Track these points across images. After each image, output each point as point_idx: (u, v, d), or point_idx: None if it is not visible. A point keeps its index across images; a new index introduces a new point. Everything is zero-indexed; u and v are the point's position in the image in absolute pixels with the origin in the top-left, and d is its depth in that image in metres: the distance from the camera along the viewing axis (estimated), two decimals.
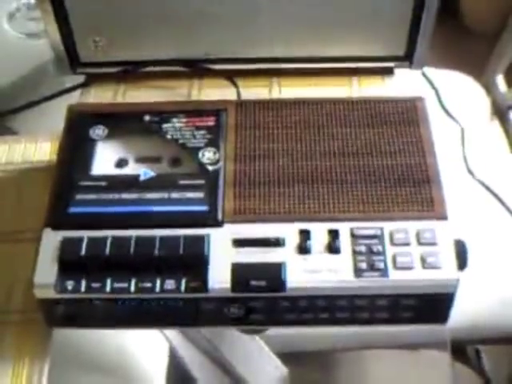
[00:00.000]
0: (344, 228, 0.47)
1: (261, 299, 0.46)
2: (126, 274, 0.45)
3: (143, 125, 0.53)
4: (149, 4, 0.58)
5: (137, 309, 0.46)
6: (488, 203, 0.78)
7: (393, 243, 0.46)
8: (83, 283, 0.45)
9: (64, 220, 0.48)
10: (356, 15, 0.59)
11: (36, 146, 0.61)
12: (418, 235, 0.47)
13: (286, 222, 0.47)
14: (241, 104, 0.54)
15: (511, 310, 0.74)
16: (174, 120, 0.53)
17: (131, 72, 0.62)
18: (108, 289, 0.45)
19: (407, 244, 0.46)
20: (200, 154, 0.51)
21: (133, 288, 0.45)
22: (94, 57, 0.61)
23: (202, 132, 0.52)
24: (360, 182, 0.49)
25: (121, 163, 0.52)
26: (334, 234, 0.47)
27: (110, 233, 0.47)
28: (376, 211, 0.48)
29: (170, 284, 0.45)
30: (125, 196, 0.49)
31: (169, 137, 0.52)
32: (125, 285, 0.45)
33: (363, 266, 0.45)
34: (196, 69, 0.63)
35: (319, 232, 0.47)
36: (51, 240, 0.47)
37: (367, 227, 0.47)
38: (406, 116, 0.53)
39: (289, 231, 0.47)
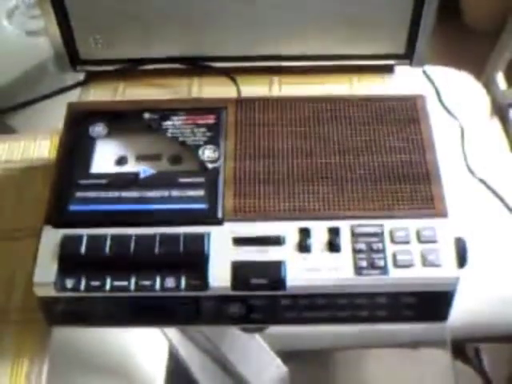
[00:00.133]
0: (344, 226, 0.47)
1: (261, 297, 0.46)
2: (126, 272, 0.45)
3: (143, 122, 0.53)
4: (149, 2, 0.58)
5: (137, 307, 0.46)
6: (488, 201, 0.78)
7: (393, 241, 0.46)
8: (83, 281, 0.45)
9: (64, 218, 0.48)
10: (356, 13, 0.59)
11: (35, 144, 0.61)
12: (418, 233, 0.46)
13: (286, 220, 0.47)
14: (241, 102, 0.54)
15: (511, 307, 0.74)
16: (174, 118, 0.53)
17: (131, 70, 0.62)
18: (108, 287, 0.45)
19: (407, 242, 0.46)
20: (200, 152, 0.51)
21: (133, 286, 0.45)
22: (93, 54, 0.61)
23: (202, 130, 0.52)
24: (360, 180, 0.49)
25: (121, 161, 0.52)
26: (334, 232, 0.47)
27: (109, 231, 0.47)
28: (376, 209, 0.48)
29: (170, 282, 0.45)
30: (125, 194, 0.49)
31: (169, 134, 0.52)
32: (125, 283, 0.45)
33: (363, 264, 0.45)
34: (196, 66, 0.62)
35: (319, 230, 0.47)
36: (51, 238, 0.47)
37: (367, 225, 0.47)
38: (407, 114, 0.53)
39: (289, 229, 0.47)
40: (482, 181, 0.79)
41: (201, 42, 0.61)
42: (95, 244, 0.46)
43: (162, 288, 0.45)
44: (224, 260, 0.46)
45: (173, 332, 0.69)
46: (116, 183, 0.49)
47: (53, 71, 0.64)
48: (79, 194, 0.49)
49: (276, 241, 0.46)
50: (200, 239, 0.46)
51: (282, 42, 0.61)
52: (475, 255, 0.47)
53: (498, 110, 0.91)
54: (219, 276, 0.45)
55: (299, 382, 0.79)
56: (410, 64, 0.63)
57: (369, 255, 0.46)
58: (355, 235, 0.47)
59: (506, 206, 0.78)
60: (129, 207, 0.48)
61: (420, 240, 0.46)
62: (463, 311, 0.61)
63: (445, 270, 0.45)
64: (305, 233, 0.47)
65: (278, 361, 0.73)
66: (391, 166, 0.50)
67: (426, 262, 0.45)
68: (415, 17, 0.59)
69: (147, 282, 0.45)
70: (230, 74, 0.62)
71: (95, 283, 0.45)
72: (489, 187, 0.78)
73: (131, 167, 0.51)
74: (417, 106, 0.53)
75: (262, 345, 0.72)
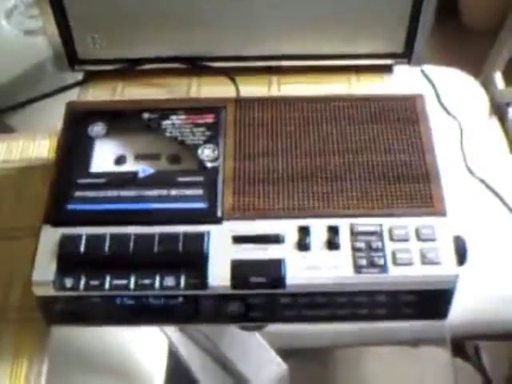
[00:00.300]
0: (343, 224, 0.47)
1: (260, 296, 0.46)
2: (126, 271, 0.45)
3: (142, 122, 0.53)
4: (148, 1, 0.58)
5: (136, 306, 0.46)
6: (486, 200, 0.78)
7: (392, 239, 0.46)
8: (82, 280, 0.45)
9: (63, 217, 0.48)
10: (355, 12, 0.59)
11: (34, 144, 0.61)
12: (417, 231, 0.47)
13: (286, 218, 0.47)
14: (240, 101, 0.54)
15: (510, 305, 0.74)
16: (173, 117, 0.53)
17: (130, 69, 0.62)
18: (107, 286, 0.45)
19: (406, 240, 0.46)
20: (199, 151, 0.51)
21: (132, 285, 0.45)
22: (92, 54, 0.61)
23: (201, 129, 0.52)
24: (359, 179, 0.49)
25: (120, 160, 0.52)
26: (333, 231, 0.47)
27: (108, 230, 0.46)
28: (375, 208, 0.48)
29: (169, 281, 0.45)
30: (124, 193, 0.49)
31: (168, 134, 0.52)
32: (124, 282, 0.45)
33: (363, 262, 0.45)
34: (195, 66, 0.62)
35: (319, 228, 0.47)
36: (50, 237, 0.47)
37: (367, 223, 0.47)
38: (406, 113, 0.53)
39: (288, 228, 0.47)
40: (480, 180, 0.79)
41: (200, 42, 0.61)
42: (94, 243, 0.46)
43: (162, 287, 0.45)
44: (223, 259, 0.46)
45: (172, 331, 0.69)
46: (115, 182, 0.49)
47: (51, 71, 0.64)
48: (78, 193, 0.49)
49: (275, 239, 0.46)
50: (199, 238, 0.46)
51: (280, 42, 0.61)
52: (474, 253, 0.47)
53: (497, 109, 0.91)
54: (219, 275, 0.45)
55: (299, 380, 0.79)
56: (409, 63, 0.63)
57: (368, 253, 0.46)
58: (354, 233, 0.47)
59: (505, 204, 0.78)
60: (128, 206, 0.48)
61: (419, 238, 0.46)
62: (463, 309, 0.61)
63: (444, 267, 0.45)
64: (304, 231, 0.47)
65: (278, 359, 0.73)
66: (390, 164, 0.50)
67: (425, 260, 0.45)
68: (414, 16, 0.59)
69: (147, 281, 0.45)
70: (229, 74, 0.62)
71: (94, 282, 0.45)
72: (487, 186, 0.79)
73: (130, 166, 0.51)
74: (416, 106, 0.53)
75: (261, 343, 0.72)
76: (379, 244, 0.46)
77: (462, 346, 0.84)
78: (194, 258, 0.46)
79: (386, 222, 0.47)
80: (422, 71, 0.73)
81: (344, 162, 0.50)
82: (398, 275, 0.45)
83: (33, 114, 0.69)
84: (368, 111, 0.53)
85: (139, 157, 0.52)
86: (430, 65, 0.72)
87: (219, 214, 0.47)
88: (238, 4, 0.58)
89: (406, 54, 0.62)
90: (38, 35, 0.82)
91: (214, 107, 0.54)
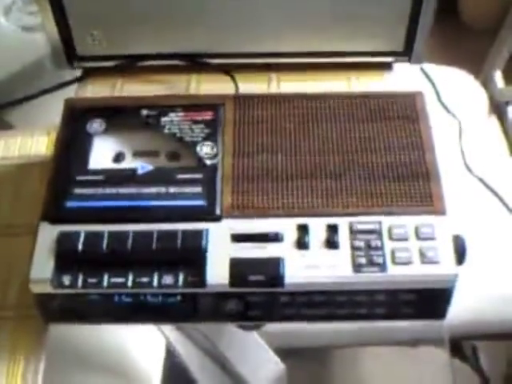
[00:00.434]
0: (343, 223, 0.47)
1: (259, 294, 0.46)
2: (124, 268, 0.45)
3: (141, 119, 0.53)
4: None
5: (134, 304, 0.46)
6: (485, 198, 0.78)
7: (391, 238, 0.46)
8: (80, 278, 0.45)
9: (61, 214, 0.47)
10: (355, 10, 0.59)
11: (32, 140, 0.61)
12: (416, 230, 0.46)
13: (285, 216, 0.47)
14: (239, 98, 0.54)
15: (510, 305, 0.74)
16: (172, 114, 0.53)
17: (129, 66, 0.62)
18: (105, 284, 0.45)
19: (406, 239, 0.46)
20: (198, 148, 0.51)
21: (130, 283, 0.45)
22: (91, 50, 0.61)
23: (200, 126, 0.52)
24: (359, 177, 0.49)
25: (118, 157, 0.51)
26: (332, 229, 0.47)
27: (107, 227, 0.46)
28: (375, 206, 0.48)
29: (167, 279, 0.45)
30: (122, 190, 0.49)
31: (166, 131, 0.52)
32: (122, 280, 0.45)
33: (362, 261, 0.45)
34: (194, 63, 0.62)
35: (318, 227, 0.47)
36: (48, 234, 0.46)
37: (366, 222, 0.47)
38: (406, 111, 0.53)
39: (287, 226, 0.47)
40: (479, 178, 0.79)
41: (199, 39, 0.61)
42: (92, 240, 0.46)
43: (160, 285, 0.45)
44: (222, 257, 0.45)
45: (170, 330, 0.69)
46: (113, 179, 0.49)
47: (50, 67, 0.64)
48: (76, 191, 0.49)
49: (274, 237, 0.46)
50: (198, 236, 0.46)
51: (280, 39, 0.61)
52: (473, 253, 0.47)
53: (496, 107, 0.91)
54: (217, 273, 0.45)
55: (297, 379, 0.79)
56: (409, 61, 0.62)
57: (367, 252, 0.46)
58: (354, 232, 0.46)
59: (504, 203, 0.78)
60: (126, 203, 0.48)
61: (418, 237, 0.46)
62: (461, 309, 0.61)
63: (443, 266, 0.45)
64: (303, 230, 0.47)
65: (276, 358, 0.73)
66: (390, 163, 0.50)
67: (424, 259, 0.45)
68: (414, 14, 0.59)
69: (145, 279, 0.45)
70: (228, 71, 0.62)
71: (92, 280, 0.45)
72: (486, 185, 0.78)
73: (129, 163, 0.51)
74: (416, 103, 0.53)
75: (259, 342, 0.72)
76: (378, 243, 0.46)
77: (460, 346, 0.84)
78: (192, 256, 0.45)
79: (386, 221, 0.47)
80: (422, 69, 0.73)
81: (343, 160, 0.50)
82: (397, 274, 0.45)
83: (31, 110, 0.69)
84: (368, 109, 0.53)
85: (138, 154, 0.52)
86: (429, 63, 0.72)
87: (218, 211, 0.47)
88: (238, 1, 0.58)
89: (406, 52, 0.62)
90: (37, 32, 0.82)
91: (213, 104, 0.53)
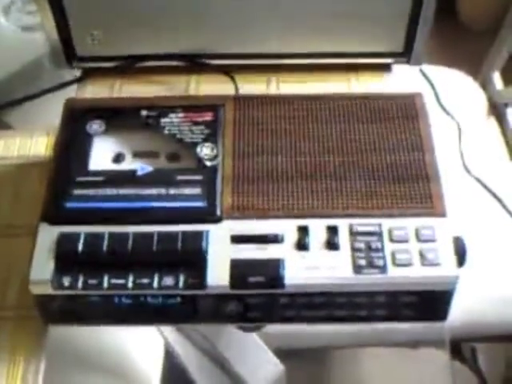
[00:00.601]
0: (343, 224, 0.47)
1: (259, 296, 0.46)
2: (124, 270, 0.45)
3: (141, 120, 0.53)
4: None
5: (134, 305, 0.46)
6: (484, 200, 0.79)
7: (392, 240, 0.46)
8: (80, 279, 0.45)
9: (61, 215, 0.47)
10: (355, 11, 0.59)
11: (32, 141, 0.61)
12: (416, 232, 0.46)
13: (285, 218, 0.47)
14: (239, 99, 0.54)
15: (510, 307, 0.74)
16: (172, 115, 0.53)
17: (128, 66, 0.62)
18: (105, 285, 0.45)
19: (406, 241, 0.46)
20: (198, 150, 0.51)
21: (130, 284, 0.45)
22: (90, 51, 0.61)
23: (200, 127, 0.52)
24: (359, 179, 0.49)
25: (118, 158, 0.51)
26: (332, 231, 0.46)
27: (107, 228, 0.46)
28: (375, 208, 0.48)
29: (167, 280, 0.45)
30: (122, 191, 0.48)
31: (166, 132, 0.52)
32: (122, 281, 0.45)
33: (362, 262, 0.45)
34: (194, 64, 0.62)
35: (318, 228, 0.47)
36: (48, 235, 0.46)
37: (366, 224, 0.47)
38: (405, 112, 0.53)
39: (287, 227, 0.47)
40: (478, 180, 0.79)
41: (199, 40, 0.61)
42: (92, 242, 0.46)
43: (160, 286, 0.45)
44: (222, 258, 0.45)
45: (169, 331, 0.69)
46: (113, 180, 0.49)
47: (49, 67, 0.64)
48: (76, 191, 0.48)
49: (274, 239, 0.46)
50: (198, 237, 0.46)
51: (280, 40, 0.61)
52: (473, 255, 0.47)
53: (495, 109, 0.91)
54: (217, 274, 0.45)
55: (296, 380, 0.79)
56: (408, 62, 0.62)
57: (367, 254, 0.46)
58: (354, 234, 0.46)
59: (503, 205, 0.78)
60: (126, 205, 0.48)
61: (419, 239, 0.46)
62: (462, 311, 0.61)
63: (444, 268, 0.45)
64: (303, 231, 0.47)
65: (275, 359, 0.73)
66: (390, 164, 0.50)
67: (424, 261, 0.45)
68: (413, 15, 0.59)
69: (145, 280, 0.45)
70: (228, 72, 0.62)
71: (92, 281, 0.45)
72: (485, 186, 0.79)
73: (128, 164, 0.51)
74: (415, 104, 0.53)
75: (259, 343, 0.72)
76: (379, 244, 0.46)
77: (459, 347, 0.84)
78: (192, 258, 0.45)
79: (386, 223, 0.47)
80: (421, 71, 0.73)
81: (343, 162, 0.50)
82: (398, 276, 0.45)
83: (30, 110, 0.68)
84: (367, 110, 0.53)
85: (138, 155, 0.51)
86: (428, 64, 0.72)
87: (218, 213, 0.47)
88: (238, 2, 0.58)
89: (406, 54, 0.62)
90: (36, 31, 0.81)
91: (212, 105, 0.53)
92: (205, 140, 0.51)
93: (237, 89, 0.60)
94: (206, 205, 0.48)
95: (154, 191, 0.48)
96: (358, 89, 0.62)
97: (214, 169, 0.49)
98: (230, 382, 0.71)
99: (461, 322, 0.70)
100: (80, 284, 0.45)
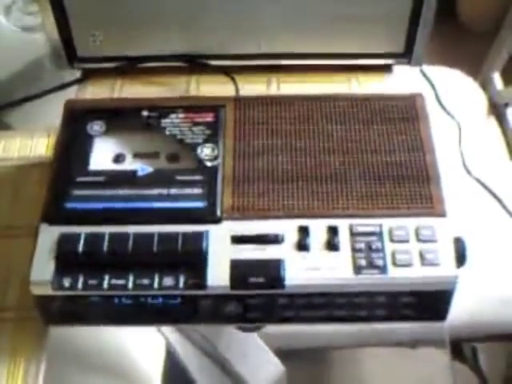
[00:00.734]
0: (343, 225, 0.47)
1: (259, 296, 0.46)
2: (124, 270, 0.45)
3: (141, 120, 0.53)
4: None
5: (135, 306, 0.46)
6: (484, 200, 0.79)
7: (392, 240, 0.46)
8: (80, 280, 0.45)
9: (61, 215, 0.47)
10: (355, 12, 0.59)
11: (32, 142, 0.61)
12: (417, 232, 0.46)
13: (285, 218, 0.47)
14: (239, 100, 0.54)
15: (510, 307, 0.74)
16: (173, 116, 0.53)
17: (129, 67, 0.62)
18: (106, 285, 0.45)
19: (406, 241, 0.46)
20: (198, 150, 0.51)
21: (130, 285, 0.45)
22: (91, 51, 0.61)
23: (201, 128, 0.52)
24: (359, 179, 0.49)
25: (118, 159, 0.51)
26: (333, 231, 0.47)
27: (107, 229, 0.46)
28: (375, 208, 0.48)
29: (168, 281, 0.45)
30: (122, 192, 0.49)
31: (167, 132, 0.52)
32: (122, 281, 0.45)
33: (362, 263, 0.45)
34: (194, 64, 0.62)
35: (318, 229, 0.47)
36: (48, 236, 0.46)
37: (366, 224, 0.47)
38: (406, 113, 0.53)
39: (288, 228, 0.47)
40: (478, 180, 0.79)
41: (199, 40, 0.61)
42: (93, 242, 0.46)
43: (160, 287, 0.45)
44: (222, 259, 0.45)
45: (170, 331, 0.69)
46: (114, 181, 0.49)
47: (50, 68, 0.64)
48: (76, 192, 0.48)
49: (275, 239, 0.46)
50: (198, 238, 0.46)
51: (280, 41, 0.61)
52: (473, 255, 0.47)
53: (495, 109, 0.91)
54: (218, 275, 0.45)
55: (297, 380, 0.79)
56: (409, 63, 0.62)
57: (368, 254, 0.46)
58: (354, 234, 0.46)
59: (503, 205, 0.78)
60: (127, 205, 0.48)
61: (419, 239, 0.46)
62: (462, 311, 0.61)
63: (444, 269, 0.45)
64: (304, 231, 0.47)
65: (276, 359, 0.73)
66: (390, 164, 0.50)
67: (424, 261, 0.45)
68: (414, 16, 0.59)
69: (145, 281, 0.45)
70: (229, 73, 0.62)
71: (93, 282, 0.45)
72: (485, 186, 0.79)
73: (129, 165, 0.51)
74: (416, 105, 0.53)
75: (259, 343, 0.72)
76: (379, 245, 0.46)
77: (460, 347, 0.84)
78: (192, 258, 0.45)
79: (386, 223, 0.47)
80: (422, 71, 0.73)
81: (344, 162, 0.50)
82: (398, 276, 0.45)
83: (31, 111, 0.69)
84: (368, 111, 0.53)
85: (138, 155, 0.51)
86: (428, 65, 0.72)
87: (218, 213, 0.47)
88: (238, 3, 0.58)
89: (406, 54, 0.62)
90: (37, 32, 0.81)
91: (213, 106, 0.53)
92: (205, 140, 0.51)
93: (237, 89, 0.60)
94: (207, 205, 0.48)
95: (154, 192, 0.48)
96: (358, 89, 0.62)
97: (214, 169, 0.50)
98: (231, 382, 0.71)
99: (461, 322, 0.70)
100: (80, 285, 0.45)
